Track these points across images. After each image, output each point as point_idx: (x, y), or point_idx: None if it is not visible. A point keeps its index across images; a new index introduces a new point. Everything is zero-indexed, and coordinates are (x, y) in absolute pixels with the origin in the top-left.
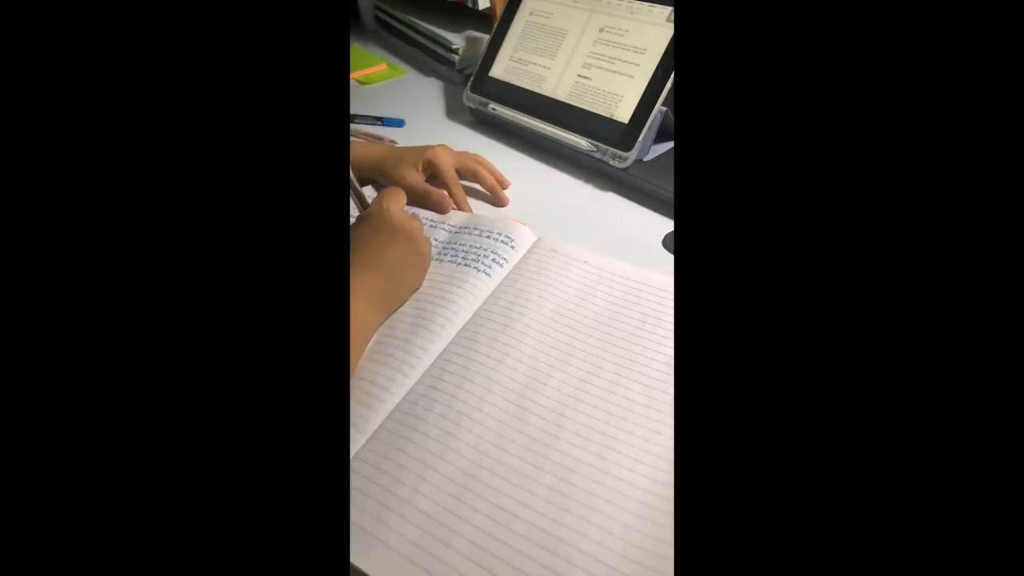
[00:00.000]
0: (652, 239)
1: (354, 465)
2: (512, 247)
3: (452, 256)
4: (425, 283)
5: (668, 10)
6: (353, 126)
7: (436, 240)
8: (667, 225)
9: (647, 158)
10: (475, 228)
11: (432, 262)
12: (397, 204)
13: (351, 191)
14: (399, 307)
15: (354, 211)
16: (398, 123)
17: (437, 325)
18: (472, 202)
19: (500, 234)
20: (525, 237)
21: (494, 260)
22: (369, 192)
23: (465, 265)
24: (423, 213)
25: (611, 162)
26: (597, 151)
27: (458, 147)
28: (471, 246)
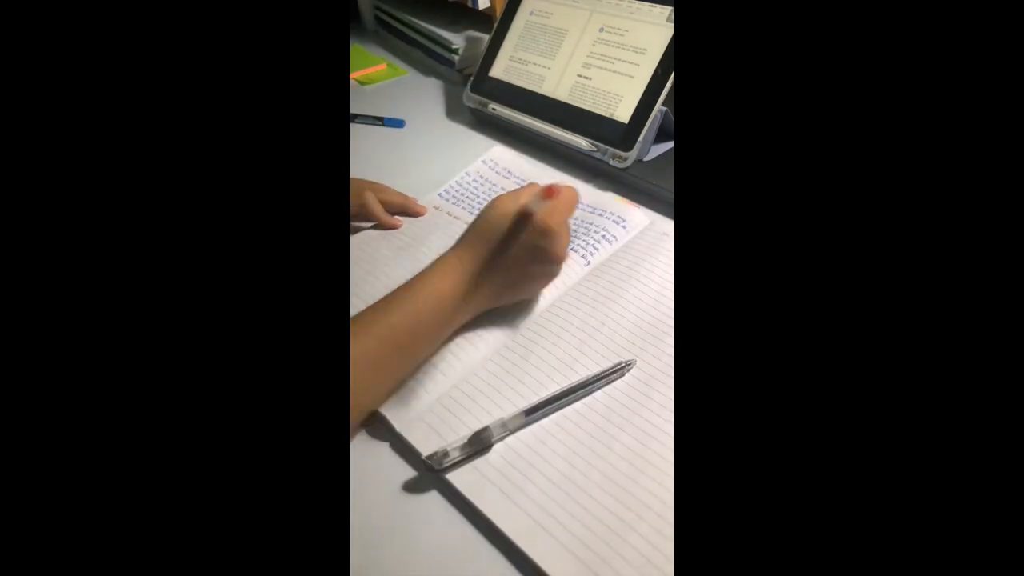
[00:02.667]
0: None
1: (453, 394)
2: (624, 227)
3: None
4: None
5: (668, 10)
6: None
7: None
8: (667, 225)
9: (647, 158)
10: (589, 205)
11: None
12: (563, 218)
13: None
14: (494, 307)
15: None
16: (398, 123)
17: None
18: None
19: (613, 214)
20: (637, 219)
21: (604, 237)
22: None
23: (572, 250)
24: (539, 181)
25: (611, 162)
26: (597, 151)
27: (458, 147)
28: (583, 220)
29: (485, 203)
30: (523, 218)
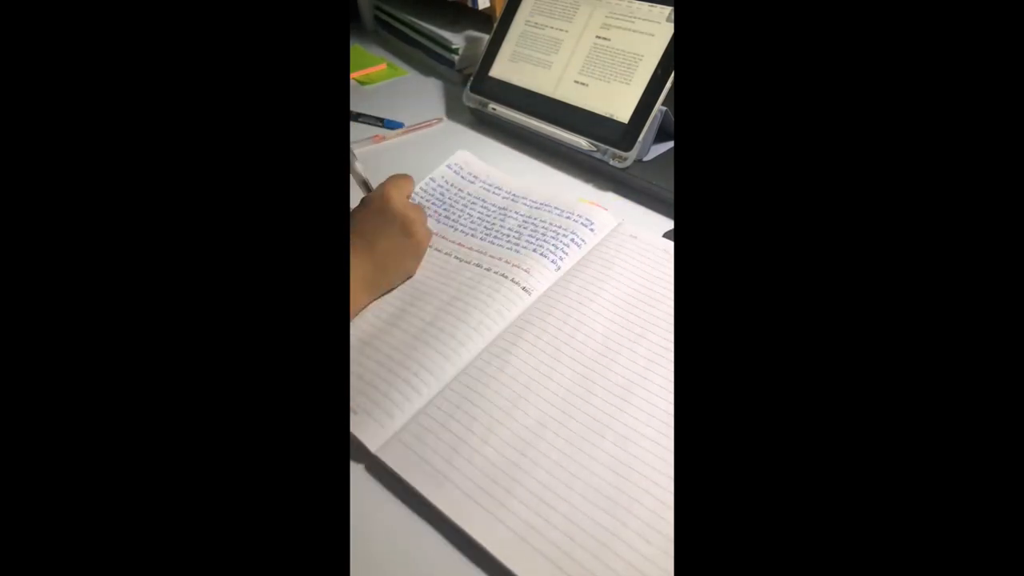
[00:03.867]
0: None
1: (429, 410)
2: (592, 230)
3: (531, 233)
4: (507, 255)
5: (668, 10)
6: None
7: (517, 213)
8: (667, 225)
9: (647, 158)
10: (556, 208)
11: (511, 242)
12: (399, 191)
13: (354, 174)
14: (387, 292)
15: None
16: (397, 126)
17: (515, 295)
18: (547, 178)
19: (581, 216)
20: (605, 221)
21: (572, 240)
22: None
23: (541, 255)
24: (504, 185)
25: (611, 162)
26: (597, 151)
27: (458, 147)
28: (551, 224)
29: (455, 208)
30: (368, 199)
